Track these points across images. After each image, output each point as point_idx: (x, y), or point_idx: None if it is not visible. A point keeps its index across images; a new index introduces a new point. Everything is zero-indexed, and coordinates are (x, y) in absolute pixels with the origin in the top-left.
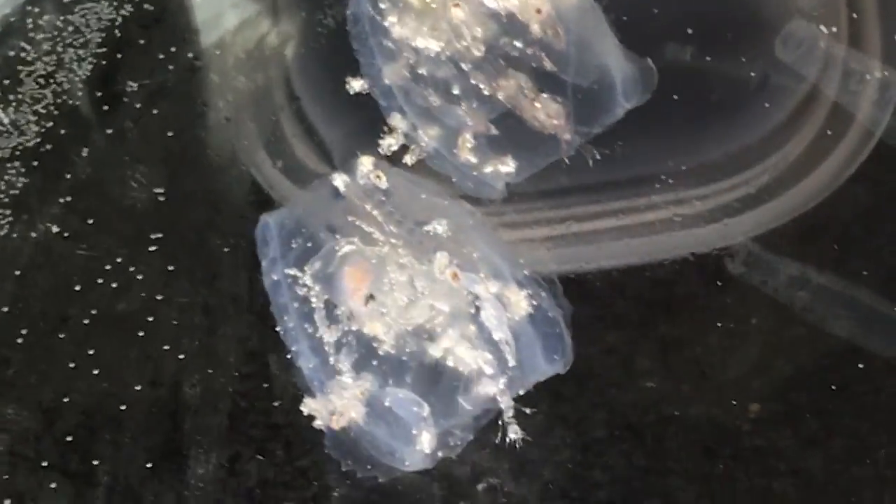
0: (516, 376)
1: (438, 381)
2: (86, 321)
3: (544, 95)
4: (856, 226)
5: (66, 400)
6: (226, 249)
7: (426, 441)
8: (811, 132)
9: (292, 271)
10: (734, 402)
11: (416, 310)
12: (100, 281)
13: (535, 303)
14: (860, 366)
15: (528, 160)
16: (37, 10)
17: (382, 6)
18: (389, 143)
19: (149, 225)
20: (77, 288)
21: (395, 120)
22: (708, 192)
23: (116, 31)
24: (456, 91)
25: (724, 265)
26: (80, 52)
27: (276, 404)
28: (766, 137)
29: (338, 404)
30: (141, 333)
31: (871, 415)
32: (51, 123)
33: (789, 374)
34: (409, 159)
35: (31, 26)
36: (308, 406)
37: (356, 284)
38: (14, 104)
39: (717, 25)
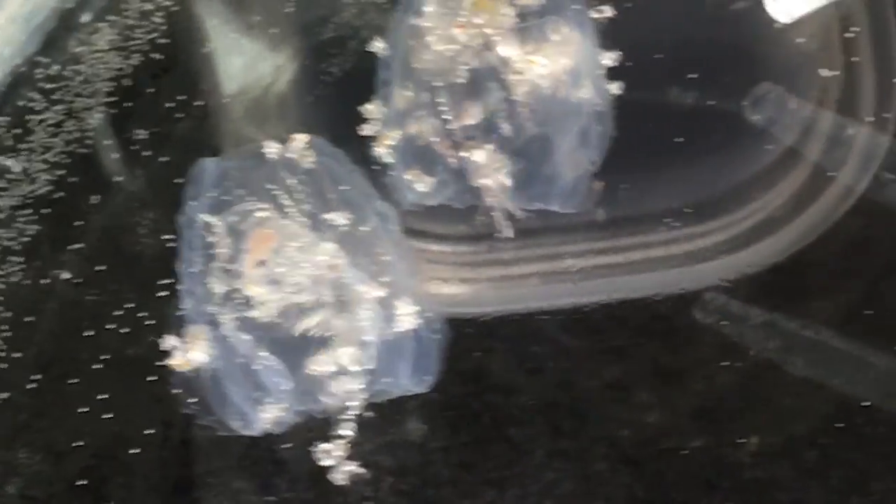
0: (376, 381)
1: (302, 363)
2: (96, 366)
3: (498, 155)
4: (853, 256)
5: (77, 444)
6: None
7: (271, 414)
8: (805, 169)
9: (210, 217)
10: (733, 435)
11: (304, 291)
12: (110, 326)
13: (420, 321)
14: (858, 397)
15: (445, 192)
16: (46, 60)
17: None
18: (371, 108)
19: (158, 271)
20: (88, 333)
21: (398, 93)
22: (710, 229)
23: (125, 81)
24: (425, 98)
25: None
26: (90, 101)
27: (285, 446)
28: (764, 176)
29: (194, 348)
30: (151, 378)
31: (868, 447)
32: (62, 172)
33: (788, 407)
34: (366, 129)
35: (40, 76)
36: (168, 342)
37: (257, 248)
38: (25, 153)
39: (718, 70)
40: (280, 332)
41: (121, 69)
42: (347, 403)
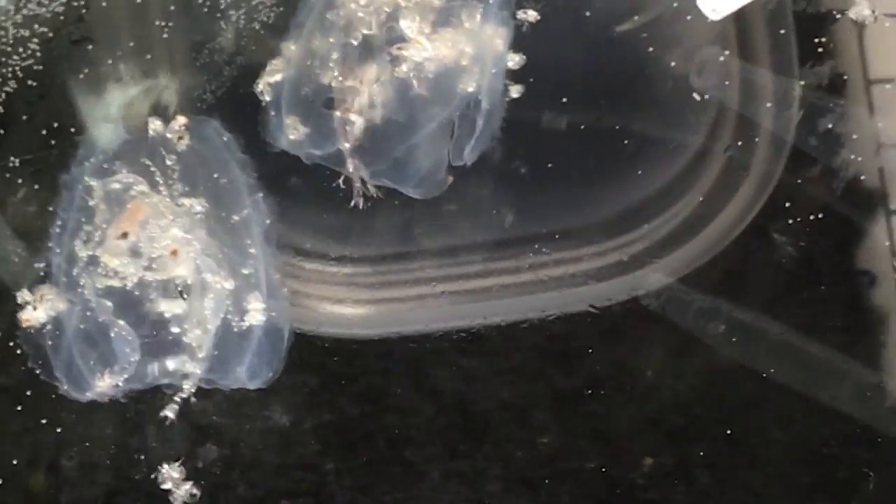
0: (212, 369)
1: (149, 336)
2: None
3: (364, 125)
4: (746, 282)
5: None
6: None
7: (105, 383)
8: (699, 192)
9: (92, 181)
10: (628, 456)
11: (159, 269)
12: None
13: (268, 317)
14: (753, 418)
15: (315, 146)
16: None
17: None
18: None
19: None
20: None
21: (303, 40)
22: (599, 250)
23: (0, 108)
24: (323, 51)
25: (617, 319)
26: None
27: (153, 476)
28: (650, 198)
29: (39, 306)
30: (19, 408)
31: (763, 467)
32: None
33: (682, 427)
34: (269, 66)
35: None
36: (22, 296)
37: (124, 220)
38: None
39: (591, 94)
40: (132, 304)
41: None
42: (182, 385)
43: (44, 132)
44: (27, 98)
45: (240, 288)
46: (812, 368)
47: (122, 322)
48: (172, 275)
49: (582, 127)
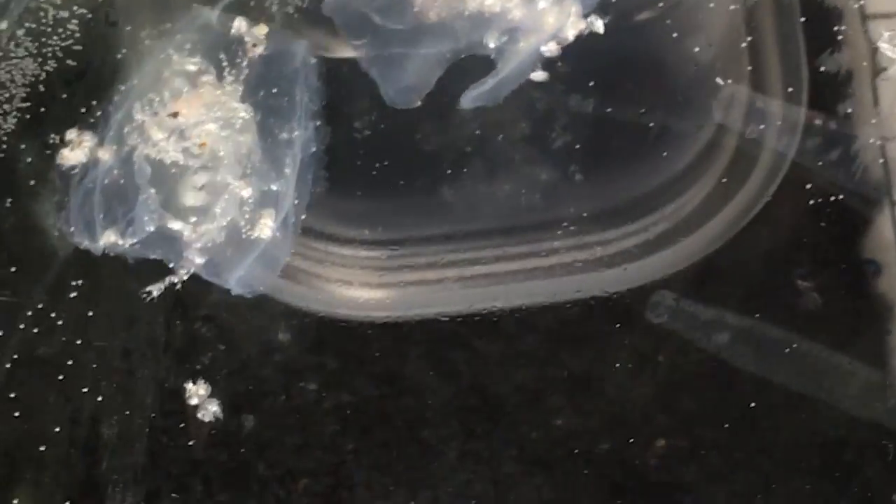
0: (210, 264)
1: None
2: (7, 365)
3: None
4: (756, 268)
5: None
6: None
7: (112, 241)
8: (711, 179)
9: (174, 54)
10: (641, 438)
11: (194, 156)
12: (21, 326)
13: (274, 235)
14: (763, 402)
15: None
16: None
17: None
18: None
19: (70, 272)
20: None
21: None
22: (614, 237)
23: (41, 87)
24: None
25: (630, 304)
26: (6, 106)
27: (191, 443)
28: (665, 184)
29: (78, 148)
30: (61, 377)
31: (772, 450)
32: None
33: (694, 410)
34: None
35: None
36: (70, 134)
37: (184, 101)
38: None
39: (617, 78)
40: (162, 179)
41: (37, 75)
42: (180, 268)
43: (83, 111)
44: (66, 78)
45: (259, 201)
46: (817, 371)
47: (152, 191)
48: (199, 165)
49: (608, 109)
